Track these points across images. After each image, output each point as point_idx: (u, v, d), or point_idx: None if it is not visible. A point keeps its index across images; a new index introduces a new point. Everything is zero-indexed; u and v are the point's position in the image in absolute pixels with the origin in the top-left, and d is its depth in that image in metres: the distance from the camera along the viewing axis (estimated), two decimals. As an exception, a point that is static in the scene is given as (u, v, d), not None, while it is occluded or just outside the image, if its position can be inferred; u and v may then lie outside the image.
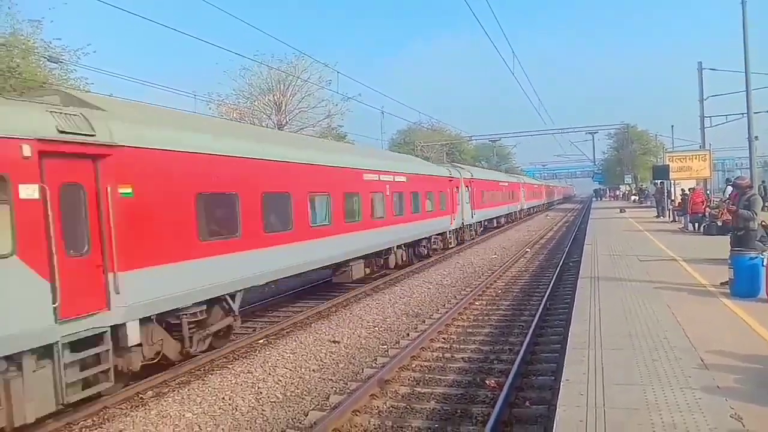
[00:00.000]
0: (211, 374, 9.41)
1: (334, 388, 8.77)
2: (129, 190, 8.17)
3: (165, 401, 8.22)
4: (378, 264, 18.37)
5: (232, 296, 10.51)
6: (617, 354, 6.85)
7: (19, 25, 22.56)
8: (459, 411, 7.59)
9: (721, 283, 10.53)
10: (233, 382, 9.00)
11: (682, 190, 27.63)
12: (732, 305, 9.16)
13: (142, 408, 8.02)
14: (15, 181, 6.64)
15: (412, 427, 7.16)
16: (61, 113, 7.44)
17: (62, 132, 7.21)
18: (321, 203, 14.12)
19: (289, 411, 7.96)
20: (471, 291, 16.05)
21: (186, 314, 9.32)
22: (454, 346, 10.87)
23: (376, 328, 12.45)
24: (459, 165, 32.02)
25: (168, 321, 9.12)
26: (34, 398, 6.72)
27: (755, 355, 6.51)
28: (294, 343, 11.16)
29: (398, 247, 19.56)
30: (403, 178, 20.05)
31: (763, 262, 9.67)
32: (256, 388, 8.78)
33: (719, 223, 19.63)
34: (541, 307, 13.18)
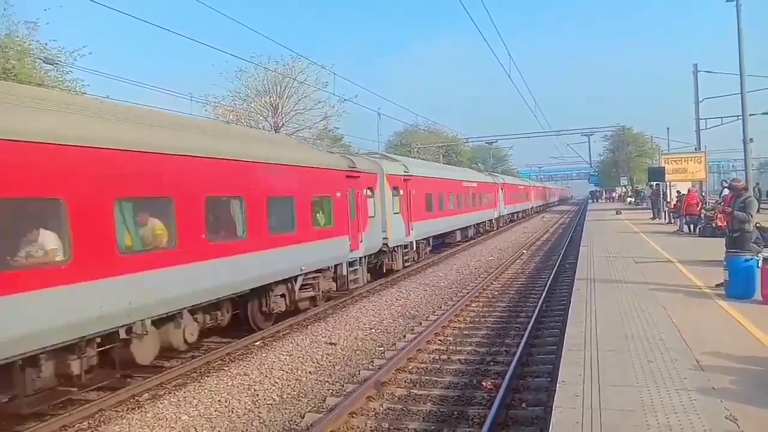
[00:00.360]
0: (208, 376, 9.40)
1: (331, 390, 8.76)
2: (414, 192, 20.96)
3: (161, 403, 8.21)
4: (464, 235, 30.47)
5: (429, 238, 24.04)
6: (613, 355, 6.88)
7: (15, 27, 22.55)
8: (455, 413, 7.60)
9: (717, 285, 10.57)
10: (229, 384, 8.99)
11: (678, 192, 27.73)
12: (727, 307, 9.20)
13: (138, 410, 8.00)
14: (400, 189, 19.74)
15: (408, 429, 7.16)
16: (401, 165, 20.91)
17: (405, 172, 20.52)
18: (455, 198, 28.04)
19: (285, 413, 7.95)
20: (467, 293, 16.07)
21: (420, 242, 22.17)
22: (450, 347, 10.88)
23: (373, 330, 12.45)
24: (497, 174, 45.82)
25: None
26: (399, 262, 19.59)
27: (750, 357, 6.54)
28: (290, 345, 11.15)
29: (473, 225, 32.61)
30: (475, 184, 32.96)
31: (758, 263, 9.70)
32: (253, 390, 8.77)
33: (714, 226, 19.68)
34: (537, 308, 13.20)
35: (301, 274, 12.73)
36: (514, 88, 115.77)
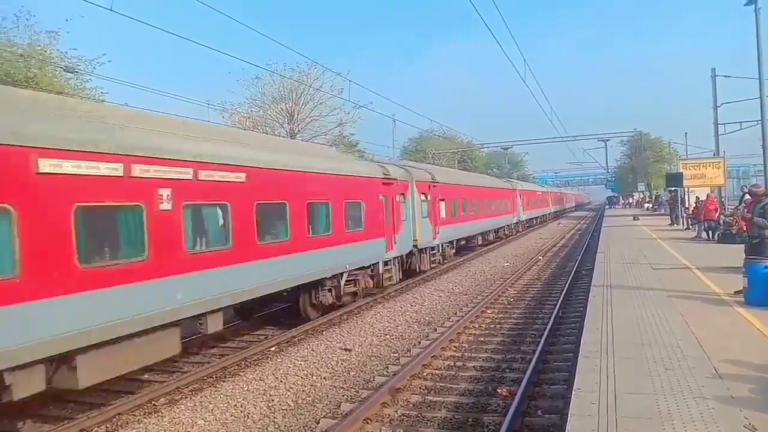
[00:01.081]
0: (223, 381, 9.47)
1: (346, 396, 8.78)
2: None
3: (177, 408, 8.28)
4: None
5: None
6: (629, 363, 6.81)
7: (37, 36, 23.03)
8: (470, 420, 7.57)
9: (735, 292, 10.43)
10: (245, 389, 9.04)
11: (696, 197, 27.41)
12: (746, 314, 9.07)
13: (155, 415, 8.08)
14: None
15: (423, 436, 7.15)
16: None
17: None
18: (539, 200, 53.71)
19: (300, 419, 7.98)
20: (483, 299, 16.00)
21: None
22: (465, 354, 10.85)
23: (388, 336, 12.45)
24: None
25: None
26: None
27: (770, 365, 6.44)
28: (305, 350, 11.19)
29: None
30: (541, 191, 56.05)
31: (777, 270, 9.56)
32: (268, 395, 8.81)
33: (733, 231, 19.44)
34: (554, 315, 13.11)
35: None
36: (529, 94, 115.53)
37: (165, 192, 8.43)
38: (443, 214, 22.77)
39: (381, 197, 16.31)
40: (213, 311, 9.50)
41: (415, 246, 19.16)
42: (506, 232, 37.45)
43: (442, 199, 22.60)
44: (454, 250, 25.30)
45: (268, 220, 11.14)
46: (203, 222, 9.76)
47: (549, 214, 62.75)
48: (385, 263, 16.62)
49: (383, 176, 16.77)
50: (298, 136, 36.79)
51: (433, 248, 21.45)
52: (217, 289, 9.41)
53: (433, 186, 21.56)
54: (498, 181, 41.67)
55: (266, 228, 11.00)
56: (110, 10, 12.68)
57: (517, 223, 41.31)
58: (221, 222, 9.89)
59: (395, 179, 17.57)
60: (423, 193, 20.26)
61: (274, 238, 11.28)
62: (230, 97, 52.84)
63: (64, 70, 23.37)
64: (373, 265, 15.90)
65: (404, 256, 18.66)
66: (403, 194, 18.39)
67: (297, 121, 37.83)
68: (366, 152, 42.00)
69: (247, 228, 10.29)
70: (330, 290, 13.65)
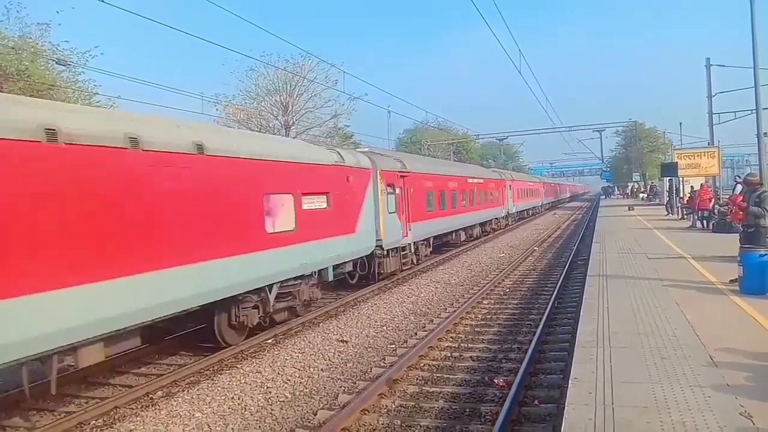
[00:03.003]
0: (221, 374, 9.47)
1: (343, 388, 8.79)
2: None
3: (175, 401, 8.27)
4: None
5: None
6: (626, 352, 6.84)
7: (28, 29, 22.86)
8: (468, 410, 7.60)
9: (731, 281, 10.48)
10: (242, 381, 9.04)
11: (691, 187, 27.50)
12: (741, 303, 9.11)
13: (152, 408, 8.07)
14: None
15: (420, 426, 7.17)
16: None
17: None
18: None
19: (298, 410, 7.99)
20: (479, 290, 16.04)
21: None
22: (462, 345, 10.87)
23: (384, 328, 12.47)
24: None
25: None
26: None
27: (765, 353, 6.47)
28: (302, 342, 11.20)
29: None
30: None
31: (773, 259, 9.60)
32: (265, 387, 8.82)
33: (727, 220, 19.53)
34: (550, 305, 13.15)
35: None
36: (525, 85, 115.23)
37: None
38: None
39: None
40: None
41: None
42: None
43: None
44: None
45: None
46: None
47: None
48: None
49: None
50: (292, 128, 36.68)
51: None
52: None
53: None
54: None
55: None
56: (102, 1, 12.58)
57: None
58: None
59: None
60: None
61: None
62: (224, 89, 52.57)
63: (56, 62, 23.20)
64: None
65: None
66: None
67: (291, 113, 37.68)
68: (361, 144, 41.92)
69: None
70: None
